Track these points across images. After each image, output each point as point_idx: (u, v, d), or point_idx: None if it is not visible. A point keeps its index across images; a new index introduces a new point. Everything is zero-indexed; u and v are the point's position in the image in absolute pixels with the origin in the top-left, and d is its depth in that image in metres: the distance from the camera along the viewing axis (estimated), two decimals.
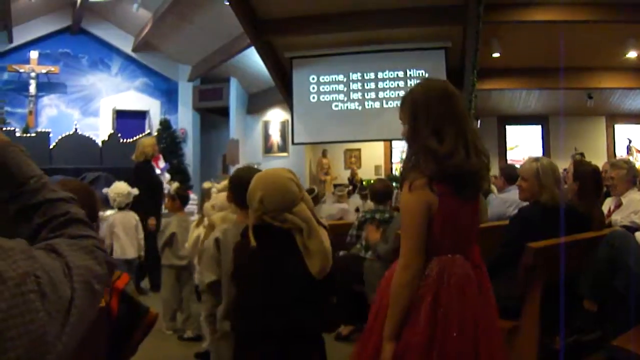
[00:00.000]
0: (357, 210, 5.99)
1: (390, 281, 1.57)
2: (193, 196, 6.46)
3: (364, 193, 6.39)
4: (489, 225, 3.65)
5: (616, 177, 3.58)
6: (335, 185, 9.41)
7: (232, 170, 8.70)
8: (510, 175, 4.29)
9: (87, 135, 11.44)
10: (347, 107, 9.70)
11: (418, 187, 1.49)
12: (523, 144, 11.89)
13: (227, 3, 8.29)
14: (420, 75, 9.08)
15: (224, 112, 12.48)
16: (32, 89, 11.85)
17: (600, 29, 7.94)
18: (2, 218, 0.80)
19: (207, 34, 10.81)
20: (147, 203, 5.06)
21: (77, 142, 10.88)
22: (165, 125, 12.71)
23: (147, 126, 12.99)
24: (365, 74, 9.59)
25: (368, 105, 9.62)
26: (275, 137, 12.06)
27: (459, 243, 1.56)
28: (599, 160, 6.13)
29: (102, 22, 12.62)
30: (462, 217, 1.55)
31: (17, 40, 11.71)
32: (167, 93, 13.39)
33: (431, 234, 1.51)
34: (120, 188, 4.67)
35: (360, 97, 9.67)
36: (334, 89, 9.74)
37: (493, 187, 5.58)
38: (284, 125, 11.76)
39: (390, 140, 10.82)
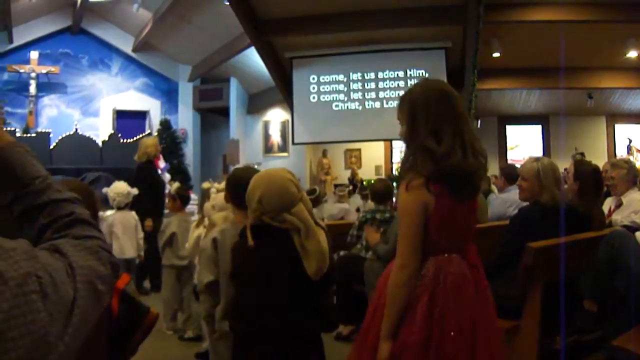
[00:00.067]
0: (358, 210, 6.00)
1: (387, 280, 1.57)
2: (193, 196, 6.45)
3: (364, 193, 6.39)
4: (489, 225, 3.66)
5: (616, 177, 3.58)
6: (335, 186, 9.39)
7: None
8: (510, 175, 4.29)
9: (87, 135, 11.45)
10: (347, 107, 9.71)
11: (415, 187, 1.50)
12: (523, 143, 11.89)
13: (227, 3, 8.29)
14: (421, 75, 9.09)
15: (224, 112, 12.48)
16: (32, 89, 11.85)
17: (600, 28, 7.94)
18: (6, 218, 0.80)
19: (207, 34, 10.81)
20: (148, 203, 5.05)
21: (78, 143, 10.89)
22: (165, 125, 12.72)
23: (147, 126, 13.00)
24: (365, 74, 9.60)
25: (368, 105, 9.63)
26: (276, 137, 12.05)
27: (455, 243, 1.56)
28: (599, 160, 6.12)
29: (102, 22, 12.62)
30: (458, 217, 1.55)
31: (17, 41, 11.71)
32: (167, 93, 13.39)
33: (428, 234, 1.51)
34: (119, 188, 4.66)
35: (360, 97, 9.67)
36: (334, 89, 9.74)
37: (493, 187, 5.59)
38: (284, 125, 11.76)
39: (391, 140, 10.83)
